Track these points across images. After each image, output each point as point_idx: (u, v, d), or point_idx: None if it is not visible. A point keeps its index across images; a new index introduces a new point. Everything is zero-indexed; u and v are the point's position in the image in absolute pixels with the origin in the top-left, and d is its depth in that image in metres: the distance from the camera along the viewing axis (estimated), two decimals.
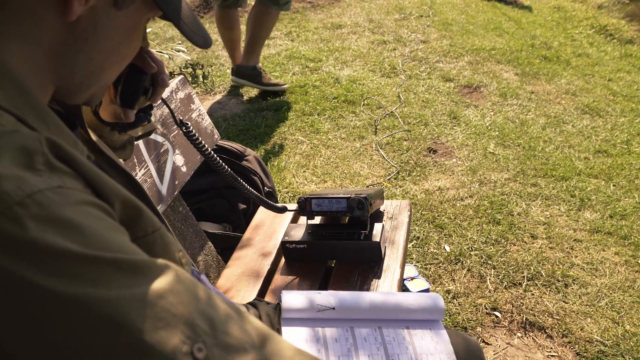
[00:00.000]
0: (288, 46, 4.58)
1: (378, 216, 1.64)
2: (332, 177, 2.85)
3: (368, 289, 1.35)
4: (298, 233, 1.49)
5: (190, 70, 2.53)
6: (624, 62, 4.78)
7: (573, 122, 3.55)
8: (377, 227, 1.46)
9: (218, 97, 3.83)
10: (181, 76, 1.65)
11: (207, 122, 1.67)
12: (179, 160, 1.50)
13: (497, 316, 2.03)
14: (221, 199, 1.96)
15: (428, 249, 2.33)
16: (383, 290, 1.34)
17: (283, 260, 1.51)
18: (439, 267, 2.24)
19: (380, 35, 4.87)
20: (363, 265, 1.44)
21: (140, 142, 1.39)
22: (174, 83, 1.60)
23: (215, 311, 0.53)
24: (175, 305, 0.50)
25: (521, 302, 2.08)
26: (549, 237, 2.43)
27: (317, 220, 1.63)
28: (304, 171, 2.90)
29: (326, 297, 1.03)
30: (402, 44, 4.68)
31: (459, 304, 2.07)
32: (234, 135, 3.26)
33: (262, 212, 1.75)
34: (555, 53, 4.73)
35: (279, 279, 1.44)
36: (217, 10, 3.72)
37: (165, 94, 1.55)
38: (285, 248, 1.48)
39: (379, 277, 1.39)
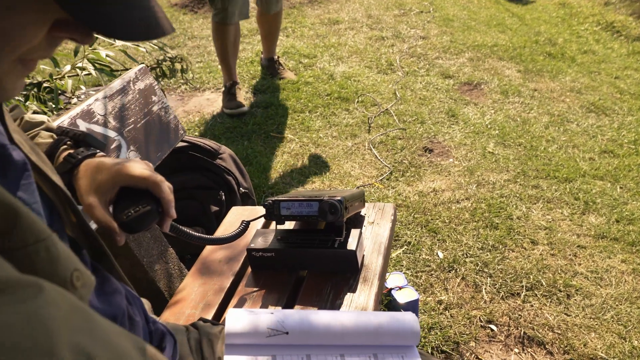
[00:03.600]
0: (283, 42, 4.42)
1: (358, 221, 1.48)
2: (320, 177, 2.69)
3: (340, 304, 1.19)
4: (266, 240, 1.34)
5: (168, 63, 2.37)
6: (632, 60, 4.59)
7: (578, 121, 3.38)
8: (354, 233, 1.30)
9: (207, 93, 3.68)
10: (142, 65, 1.49)
11: (170, 116, 1.52)
12: (135, 158, 1.35)
13: (492, 329, 1.86)
14: (192, 201, 1.81)
15: (420, 255, 2.17)
16: (358, 306, 1.18)
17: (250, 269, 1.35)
18: (431, 275, 2.08)
19: (379, 31, 4.71)
20: (337, 277, 1.28)
21: None
22: (132, 72, 1.45)
23: (98, 347, 0.41)
24: (40, 334, 0.38)
25: (519, 315, 1.91)
26: (550, 243, 2.26)
27: (292, 225, 1.47)
28: (291, 171, 2.74)
29: (279, 319, 0.87)
30: (401, 40, 4.52)
31: (451, 316, 1.90)
32: (221, 132, 3.11)
33: (232, 215, 1.60)
34: (560, 50, 4.56)
35: (243, 291, 1.29)
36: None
37: (121, 84, 1.40)
38: (251, 256, 1.32)
39: (354, 291, 1.23)
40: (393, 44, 4.42)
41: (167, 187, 0.83)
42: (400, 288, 1.90)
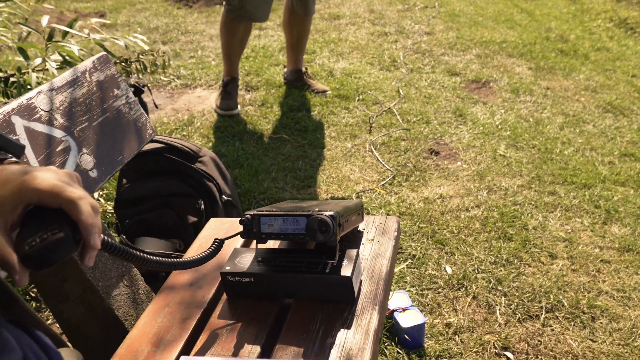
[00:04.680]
0: (280, 37, 4.20)
1: (355, 238, 1.26)
2: (317, 181, 2.47)
3: (332, 344, 0.97)
4: (245, 261, 1.12)
5: (150, 57, 2.16)
6: None
7: (594, 121, 3.15)
8: (350, 255, 1.08)
9: (199, 90, 3.47)
10: (102, 53, 1.27)
11: (137, 112, 1.30)
12: (87, 162, 1.13)
13: (509, 358, 1.64)
14: (168, 210, 1.59)
15: (425, 271, 1.95)
16: (353, 347, 0.96)
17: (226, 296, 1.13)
18: (438, 293, 1.86)
19: (381, 27, 4.48)
20: (329, 307, 1.06)
21: (22, 134, 1.01)
22: (89, 61, 1.23)
23: None
24: None
25: (539, 340, 1.69)
26: (570, 256, 2.04)
27: (276, 244, 1.26)
28: (286, 175, 2.52)
29: None
30: (405, 36, 4.29)
31: (462, 342, 1.68)
32: (210, 132, 2.89)
33: (209, 228, 1.38)
34: (573, 47, 4.33)
35: (215, 324, 1.07)
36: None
37: (73, 75, 1.18)
38: (227, 281, 1.10)
39: (348, 327, 1.01)
40: (396, 40, 4.20)
41: (88, 206, 0.61)
42: (403, 309, 1.68)
